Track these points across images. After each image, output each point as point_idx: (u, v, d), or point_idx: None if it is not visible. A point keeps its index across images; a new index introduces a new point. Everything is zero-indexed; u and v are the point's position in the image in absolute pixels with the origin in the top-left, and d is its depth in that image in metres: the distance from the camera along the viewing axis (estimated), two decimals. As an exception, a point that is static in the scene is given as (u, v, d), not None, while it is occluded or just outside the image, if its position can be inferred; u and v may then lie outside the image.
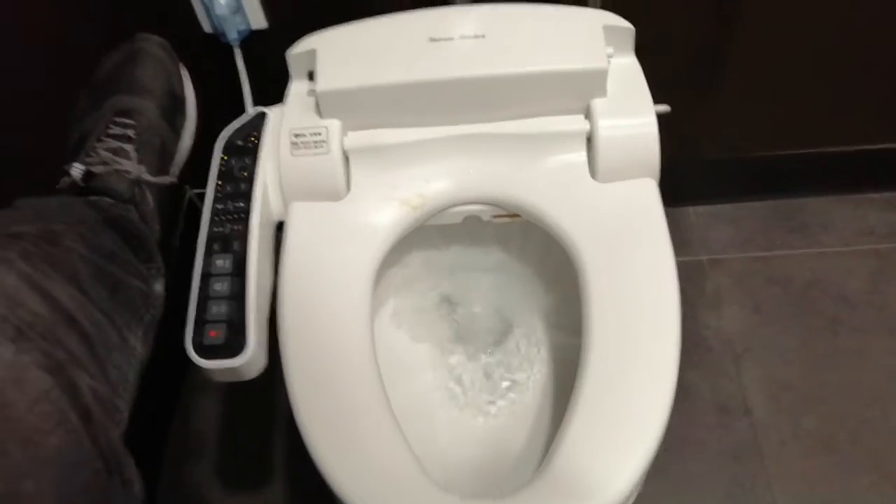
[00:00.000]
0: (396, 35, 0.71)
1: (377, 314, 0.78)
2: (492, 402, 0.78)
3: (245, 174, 0.69)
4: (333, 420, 0.59)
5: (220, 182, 0.69)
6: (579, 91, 0.69)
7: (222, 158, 0.70)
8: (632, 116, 0.69)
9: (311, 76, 0.72)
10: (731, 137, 1.06)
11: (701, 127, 1.03)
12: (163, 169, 0.69)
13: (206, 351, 0.60)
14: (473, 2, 0.77)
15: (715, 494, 0.92)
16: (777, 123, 1.04)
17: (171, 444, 1.02)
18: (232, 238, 0.65)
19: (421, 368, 0.81)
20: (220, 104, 0.78)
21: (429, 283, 0.84)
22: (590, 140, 0.70)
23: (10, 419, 0.42)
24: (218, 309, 0.62)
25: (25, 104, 0.79)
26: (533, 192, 0.70)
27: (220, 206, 0.67)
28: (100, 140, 0.65)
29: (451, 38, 0.70)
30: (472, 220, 0.74)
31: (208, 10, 0.82)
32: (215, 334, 0.60)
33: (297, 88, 0.73)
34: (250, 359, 0.60)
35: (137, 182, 0.65)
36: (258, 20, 0.84)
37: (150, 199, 0.66)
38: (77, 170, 0.63)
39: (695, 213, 1.16)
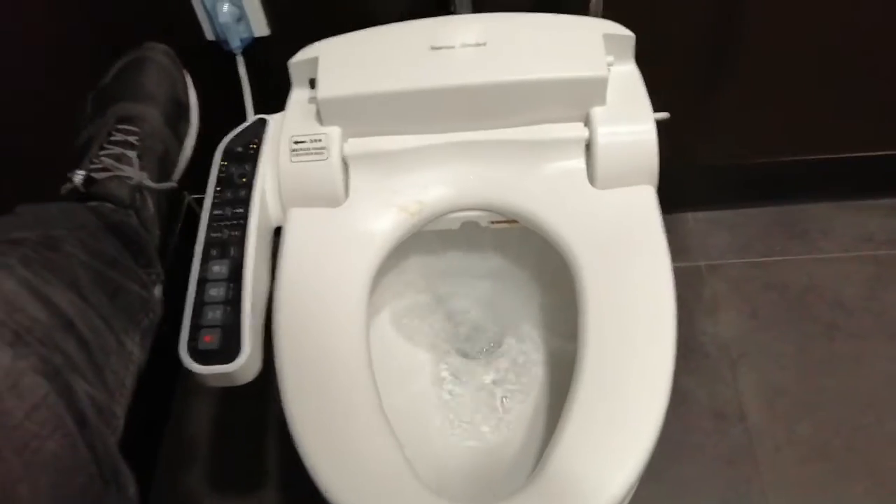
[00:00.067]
0: (398, 43, 0.72)
1: (374, 319, 0.79)
2: (487, 408, 0.78)
3: (244, 180, 0.69)
4: (326, 426, 0.60)
5: (218, 188, 0.69)
6: (579, 99, 0.70)
7: (222, 165, 0.71)
8: (631, 124, 0.70)
9: (312, 84, 0.72)
10: (730, 144, 1.06)
11: (700, 133, 1.03)
12: (165, 175, 0.70)
13: (201, 356, 0.61)
14: (475, 10, 0.78)
15: (710, 499, 0.93)
16: (776, 130, 1.04)
17: (165, 450, 1.02)
18: (229, 244, 0.66)
19: (417, 373, 0.81)
20: (221, 111, 0.79)
21: (426, 288, 0.85)
22: (588, 147, 0.70)
23: (7, 425, 0.42)
24: (213, 314, 0.62)
25: (25, 104, 0.80)
26: (531, 199, 0.70)
27: (218, 212, 0.68)
28: (102, 147, 0.66)
29: (452, 47, 0.70)
30: (469, 226, 0.74)
31: (211, 18, 0.83)
32: (210, 339, 0.61)
33: (298, 96, 0.74)
34: (244, 364, 0.60)
35: (139, 188, 0.65)
36: (261, 28, 0.85)
37: (150, 204, 0.67)
38: (78, 176, 0.63)
39: (693, 219, 1.17)
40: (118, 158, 0.65)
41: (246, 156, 0.71)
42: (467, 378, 0.81)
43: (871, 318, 1.05)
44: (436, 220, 0.72)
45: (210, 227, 0.67)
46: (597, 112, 0.70)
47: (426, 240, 0.79)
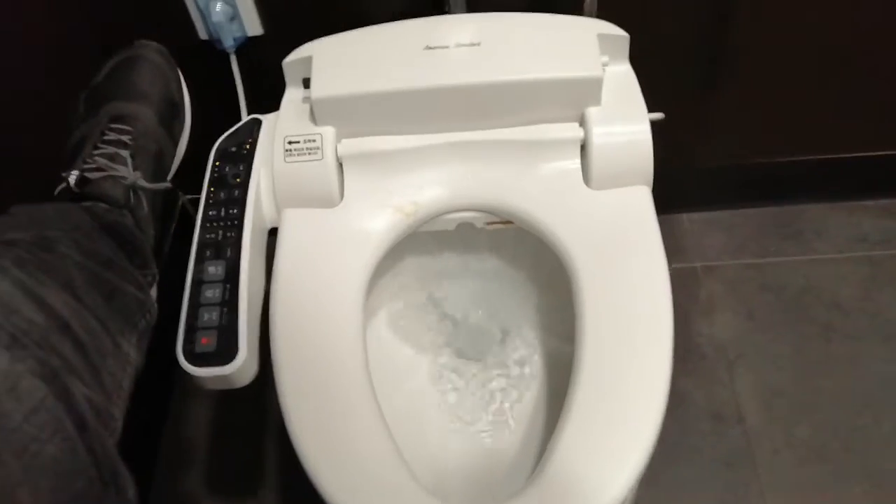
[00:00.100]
0: (392, 43, 0.72)
1: (370, 321, 0.78)
2: (484, 409, 0.78)
3: (238, 181, 0.69)
4: (324, 428, 0.59)
5: (212, 189, 0.69)
6: (574, 99, 0.70)
7: (215, 165, 0.70)
8: (626, 124, 0.70)
9: (306, 84, 0.72)
10: (726, 144, 1.06)
11: (695, 134, 1.04)
12: (159, 174, 0.69)
13: (197, 358, 0.60)
14: (469, 10, 0.78)
15: (708, 502, 0.92)
16: (772, 131, 1.04)
17: (163, 452, 1.02)
18: (224, 245, 0.65)
19: (414, 374, 0.81)
20: (215, 111, 0.78)
21: (422, 289, 0.85)
22: (584, 147, 0.70)
23: (6, 428, 0.41)
24: (209, 316, 0.61)
25: (25, 104, 0.79)
26: (526, 200, 0.70)
27: (212, 213, 0.67)
28: (96, 146, 0.65)
29: (446, 46, 0.70)
30: (465, 227, 0.74)
31: (204, 17, 0.83)
32: (206, 341, 0.60)
33: (292, 95, 0.74)
34: (241, 366, 0.60)
35: (133, 188, 0.65)
36: (254, 27, 0.85)
37: (145, 204, 0.66)
38: (72, 175, 0.63)
39: (689, 220, 1.17)
40: (112, 158, 0.64)
41: (240, 156, 0.71)
42: (464, 379, 0.80)
43: (866, 319, 1.05)
44: (431, 221, 0.72)
45: (204, 228, 0.67)
46: (592, 112, 0.70)
47: (422, 241, 0.79)
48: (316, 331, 0.64)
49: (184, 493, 0.98)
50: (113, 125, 0.67)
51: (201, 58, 0.85)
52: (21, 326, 0.46)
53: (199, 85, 0.78)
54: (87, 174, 0.63)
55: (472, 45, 0.70)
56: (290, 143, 0.70)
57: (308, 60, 0.71)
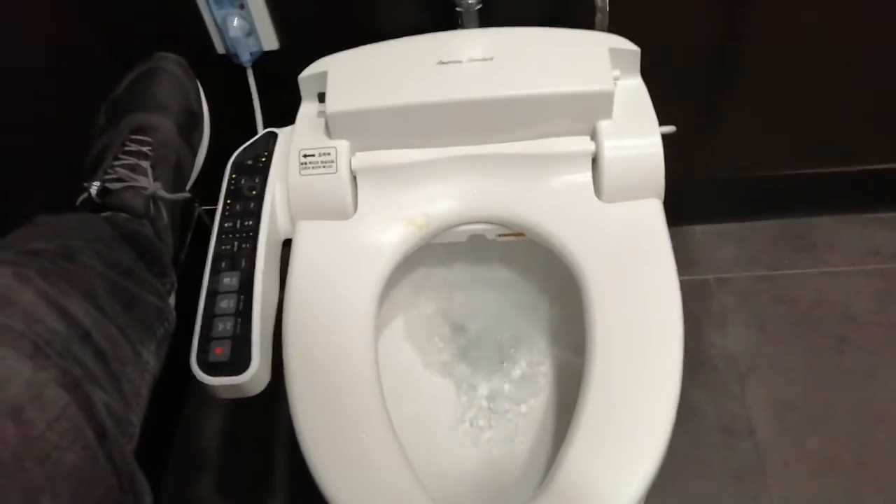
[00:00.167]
0: (406, 58, 0.73)
1: (382, 331, 0.79)
2: (494, 420, 0.78)
3: (254, 193, 0.70)
4: (334, 437, 0.60)
5: (228, 201, 0.70)
6: (585, 113, 0.70)
7: (231, 177, 0.72)
8: (637, 138, 0.70)
9: (321, 98, 0.73)
10: (737, 157, 1.06)
11: (707, 147, 1.04)
12: (178, 185, 0.71)
13: (211, 368, 0.61)
14: (481, 25, 0.79)
15: (718, 514, 0.92)
16: (783, 143, 1.04)
17: (174, 459, 1.03)
18: (239, 256, 0.66)
19: (424, 385, 0.81)
20: (231, 124, 0.79)
21: (433, 300, 0.85)
22: (595, 161, 0.71)
23: (30, 436, 0.42)
24: (223, 326, 0.62)
25: (25, 104, 0.80)
26: (538, 212, 0.71)
27: (228, 225, 0.69)
28: (117, 157, 0.67)
29: (459, 61, 0.71)
30: (477, 239, 0.75)
31: (222, 32, 0.84)
32: (220, 351, 0.61)
33: (307, 109, 0.75)
34: (254, 376, 0.61)
35: (153, 198, 0.66)
36: (270, 42, 0.86)
37: (164, 214, 0.68)
38: (94, 186, 0.64)
39: (701, 232, 1.17)
40: (132, 169, 0.66)
41: (256, 169, 0.72)
42: (474, 389, 0.81)
43: (880, 332, 1.04)
44: (443, 233, 0.73)
45: (220, 240, 0.68)
46: (603, 126, 0.70)
47: (434, 252, 0.79)
48: (328, 341, 0.65)
49: (194, 500, 0.99)
50: (133, 136, 0.68)
51: (219, 72, 0.86)
52: (44, 336, 0.47)
53: (217, 99, 0.79)
54: (108, 185, 0.65)
55: (485, 59, 0.71)
56: (305, 156, 0.71)
57: (323, 75, 0.72)
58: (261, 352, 0.62)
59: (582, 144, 0.71)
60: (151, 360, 0.57)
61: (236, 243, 0.67)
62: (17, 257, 0.52)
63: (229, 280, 0.65)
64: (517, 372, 0.81)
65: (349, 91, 0.71)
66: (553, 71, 0.70)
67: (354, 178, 0.72)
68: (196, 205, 1.11)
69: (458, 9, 0.78)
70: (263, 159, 0.72)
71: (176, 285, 0.67)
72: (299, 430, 0.60)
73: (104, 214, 0.64)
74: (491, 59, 0.71)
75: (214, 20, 0.83)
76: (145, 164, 0.66)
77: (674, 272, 0.66)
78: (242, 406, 0.69)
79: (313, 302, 0.67)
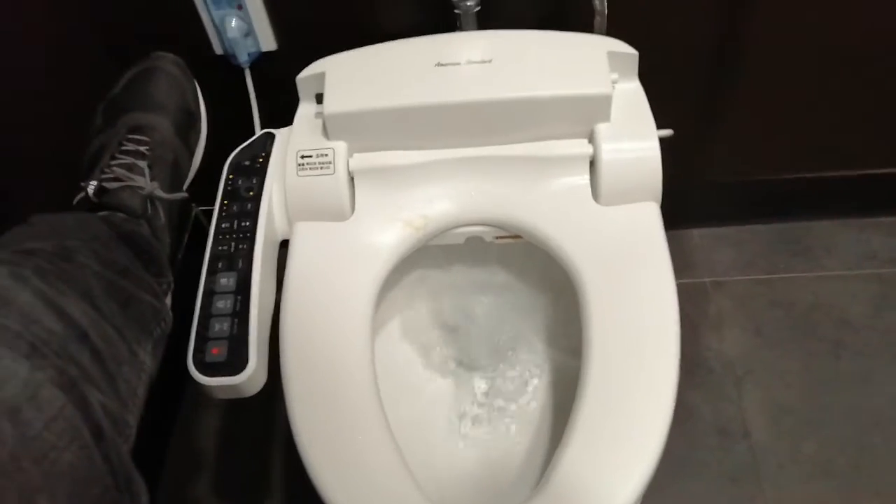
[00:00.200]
0: (404, 59, 0.73)
1: (379, 333, 0.79)
2: (491, 421, 0.78)
3: (251, 194, 0.70)
4: (331, 438, 0.60)
5: (226, 201, 0.70)
6: (583, 116, 0.70)
7: (228, 178, 0.72)
8: (635, 141, 0.70)
9: (319, 99, 0.73)
10: (735, 161, 1.06)
11: (706, 150, 1.04)
12: (175, 184, 0.71)
13: (208, 368, 0.61)
14: (480, 28, 0.79)
15: (713, 516, 0.92)
16: (781, 147, 1.04)
17: (171, 460, 1.02)
18: (236, 257, 0.66)
19: (421, 386, 0.81)
20: (229, 124, 0.80)
21: (431, 302, 0.85)
22: (593, 164, 0.71)
23: (27, 436, 0.42)
24: (220, 326, 0.62)
25: (25, 104, 0.80)
26: (535, 215, 0.71)
27: (225, 226, 0.69)
28: (114, 157, 0.67)
29: (457, 63, 0.71)
30: (474, 241, 0.75)
31: (220, 33, 0.84)
32: (217, 352, 0.61)
33: (305, 110, 0.75)
34: (251, 376, 0.61)
35: (150, 198, 0.66)
36: (268, 43, 0.86)
37: (161, 214, 0.68)
38: (91, 186, 0.64)
39: (698, 236, 1.17)
40: (129, 168, 0.66)
41: (253, 169, 0.72)
42: (471, 391, 0.81)
43: (876, 336, 1.04)
44: (441, 235, 0.73)
45: (217, 240, 0.68)
46: (601, 129, 0.70)
47: (431, 254, 0.79)
48: (325, 342, 0.65)
49: (191, 501, 0.98)
50: (131, 136, 0.68)
51: (216, 72, 0.87)
52: (41, 336, 0.47)
53: (214, 99, 0.79)
54: (105, 184, 0.65)
55: (483, 62, 0.71)
56: (302, 157, 0.71)
57: (321, 76, 0.72)
58: (257, 352, 0.62)
59: (580, 147, 0.71)
60: (148, 360, 0.57)
61: (233, 244, 0.67)
62: (13, 257, 0.52)
63: (226, 280, 0.65)
64: (514, 374, 0.82)
65: (347, 92, 0.71)
66: (551, 74, 0.70)
67: (352, 179, 0.72)
68: (193, 205, 1.10)
69: (456, 11, 0.78)
70: (261, 160, 0.72)
71: (173, 285, 0.67)
72: (296, 430, 0.60)
73: (101, 214, 0.63)
74: (489, 61, 0.71)
75: (212, 20, 0.83)
76: (142, 163, 0.66)
77: (671, 275, 0.66)
78: (239, 406, 0.69)
79: (310, 303, 0.67)
